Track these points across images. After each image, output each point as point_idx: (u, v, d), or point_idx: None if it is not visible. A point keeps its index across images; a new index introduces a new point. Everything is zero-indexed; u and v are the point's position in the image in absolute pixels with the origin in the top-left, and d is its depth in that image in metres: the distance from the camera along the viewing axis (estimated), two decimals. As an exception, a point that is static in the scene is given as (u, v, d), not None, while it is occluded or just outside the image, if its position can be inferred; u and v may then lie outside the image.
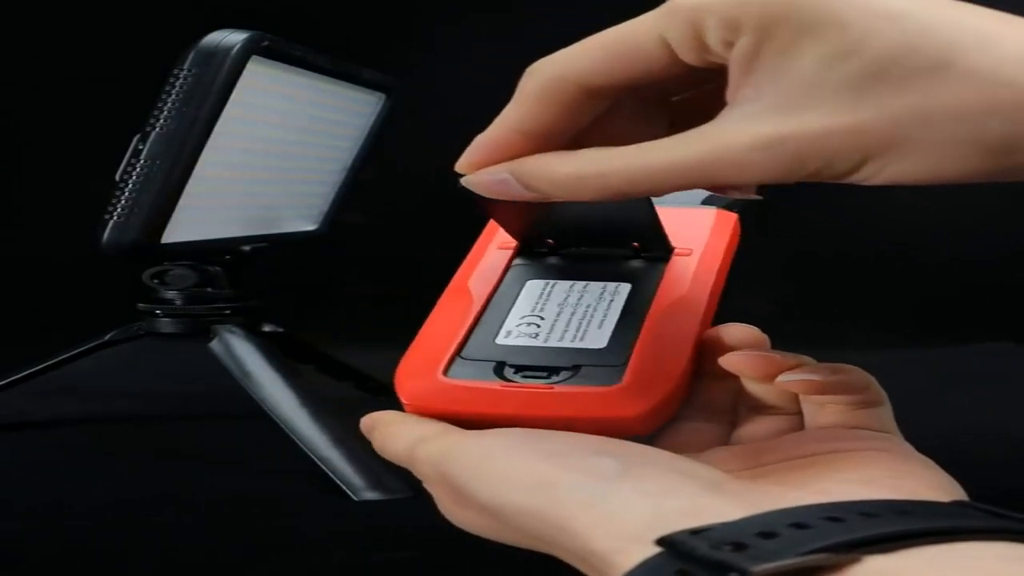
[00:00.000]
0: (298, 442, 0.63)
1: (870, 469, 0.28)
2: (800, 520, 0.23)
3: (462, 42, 1.24)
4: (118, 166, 0.63)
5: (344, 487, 0.61)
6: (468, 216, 0.36)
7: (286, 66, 0.70)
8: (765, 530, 0.23)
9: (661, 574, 0.22)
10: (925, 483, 0.28)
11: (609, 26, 0.29)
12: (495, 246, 0.37)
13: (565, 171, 0.29)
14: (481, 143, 0.31)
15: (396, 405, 0.36)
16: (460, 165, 0.31)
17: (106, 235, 0.63)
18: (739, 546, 0.22)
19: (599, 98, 0.30)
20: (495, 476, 0.28)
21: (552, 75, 0.29)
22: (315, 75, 0.74)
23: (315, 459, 0.62)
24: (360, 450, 0.63)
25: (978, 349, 1.12)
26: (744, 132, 0.26)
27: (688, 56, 0.27)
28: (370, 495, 0.60)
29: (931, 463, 0.29)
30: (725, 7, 0.26)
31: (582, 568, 0.26)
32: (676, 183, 0.28)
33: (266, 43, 0.65)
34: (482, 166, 0.31)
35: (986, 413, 0.84)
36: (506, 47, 1.26)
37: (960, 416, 0.82)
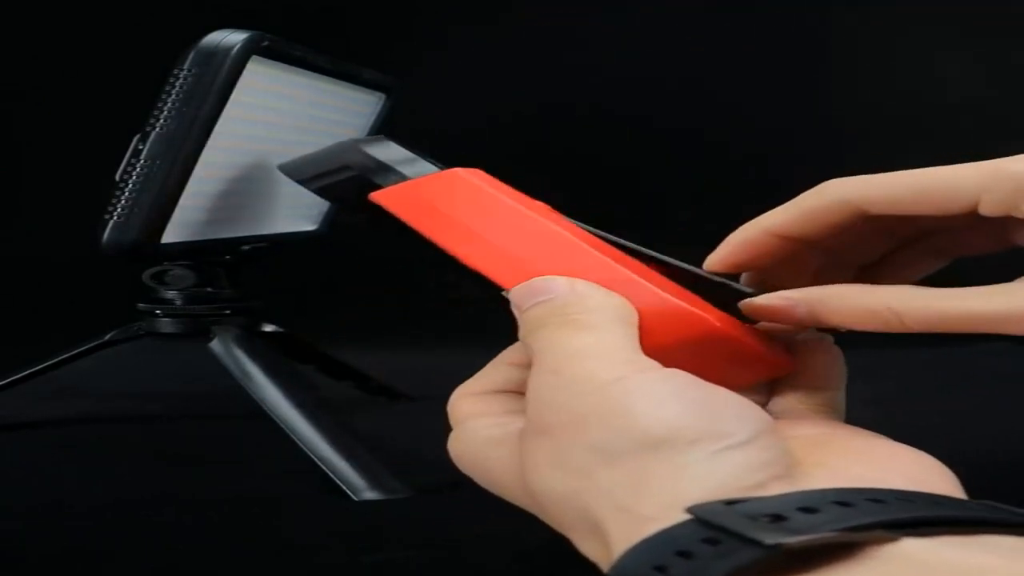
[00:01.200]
0: (298, 442, 0.63)
1: (890, 458, 0.29)
2: (843, 499, 0.23)
3: (462, 42, 1.24)
4: (118, 166, 0.63)
5: (344, 487, 0.61)
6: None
7: (286, 66, 0.70)
8: (807, 505, 0.23)
9: (682, 543, 0.22)
10: (931, 471, 0.28)
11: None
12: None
13: (862, 304, 0.30)
14: (733, 241, 0.33)
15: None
16: (711, 263, 0.34)
17: (106, 235, 0.63)
18: (777, 518, 0.22)
19: (876, 227, 0.32)
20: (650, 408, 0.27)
21: (836, 196, 0.31)
22: (315, 75, 0.74)
23: (315, 459, 0.62)
24: (360, 450, 0.63)
25: (978, 349, 1.12)
26: None
27: (988, 210, 0.30)
28: (370, 495, 0.60)
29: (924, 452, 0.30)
30: None
31: (587, 545, 0.27)
32: (970, 330, 0.30)
33: (266, 43, 0.65)
34: (732, 263, 0.33)
35: (986, 413, 0.84)
36: (506, 47, 1.26)
37: (960, 416, 0.82)
